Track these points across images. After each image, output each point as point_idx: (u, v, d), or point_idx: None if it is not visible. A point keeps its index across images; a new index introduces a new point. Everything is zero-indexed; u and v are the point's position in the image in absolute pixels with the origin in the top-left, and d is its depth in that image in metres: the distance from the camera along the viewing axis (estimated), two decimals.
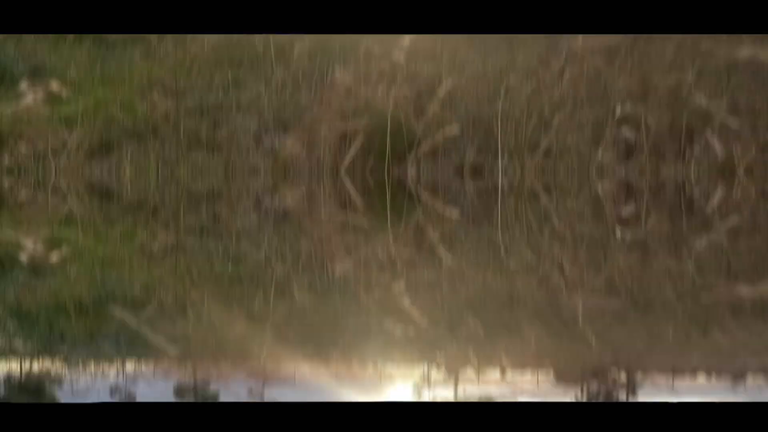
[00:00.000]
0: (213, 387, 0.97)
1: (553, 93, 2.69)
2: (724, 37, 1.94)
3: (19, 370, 1.00)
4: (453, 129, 3.47)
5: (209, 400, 0.99)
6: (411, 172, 4.34)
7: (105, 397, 0.91)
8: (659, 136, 2.90)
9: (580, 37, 2.41)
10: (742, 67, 2.65)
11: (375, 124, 3.39)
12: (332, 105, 3.49)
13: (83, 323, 1.31)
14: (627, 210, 3.40)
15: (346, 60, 3.67)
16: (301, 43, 3.75)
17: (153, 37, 4.29)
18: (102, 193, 3.85)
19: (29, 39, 4.86)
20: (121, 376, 0.97)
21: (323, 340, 1.18)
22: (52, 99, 3.24)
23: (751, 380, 0.98)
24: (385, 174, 4.30)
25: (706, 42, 2.13)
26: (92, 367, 1.03)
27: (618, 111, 2.72)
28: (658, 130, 2.82)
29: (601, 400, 1.01)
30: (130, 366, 1.02)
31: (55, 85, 3.32)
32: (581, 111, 2.97)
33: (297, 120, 3.29)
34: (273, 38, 4.03)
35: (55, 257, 2.10)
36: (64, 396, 0.91)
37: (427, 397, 0.96)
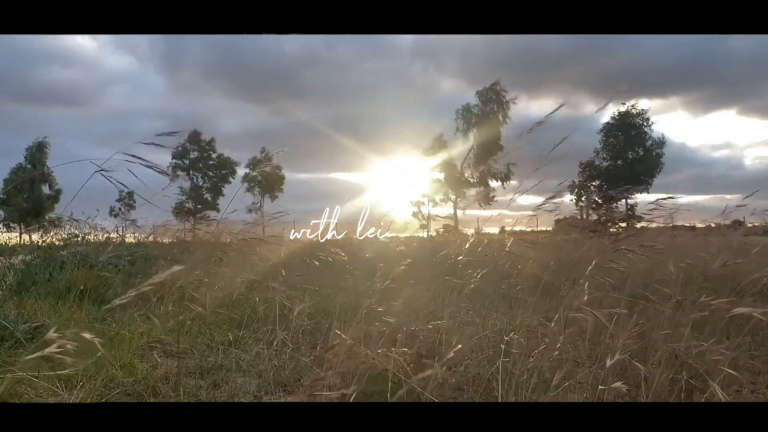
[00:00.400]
0: None
1: (554, 352, 2.79)
2: (724, 301, 2.13)
3: None
4: (453, 387, 3.47)
5: None
6: None
7: None
8: (658, 394, 2.94)
9: (579, 298, 2.61)
10: (742, 325, 2.85)
11: (375, 383, 3.39)
12: (332, 365, 3.51)
13: None
14: None
15: (346, 320, 3.81)
16: (302, 304, 3.91)
17: (153, 298, 4.43)
18: None
19: (29, 300, 4.97)
20: None
21: None
22: (52, 359, 3.21)
23: None
24: None
25: (704, 301, 2.33)
26: None
27: (617, 369, 2.80)
28: (657, 388, 2.87)
29: None
30: None
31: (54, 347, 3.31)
32: (581, 370, 3.04)
33: (297, 381, 3.27)
34: (277, 303, 4.23)
35: None
36: None
37: None
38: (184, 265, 1.53)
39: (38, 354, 1.40)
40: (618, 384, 2.10)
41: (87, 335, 1.37)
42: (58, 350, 1.40)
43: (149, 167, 2.24)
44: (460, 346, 2.50)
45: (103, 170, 1.98)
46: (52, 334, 1.36)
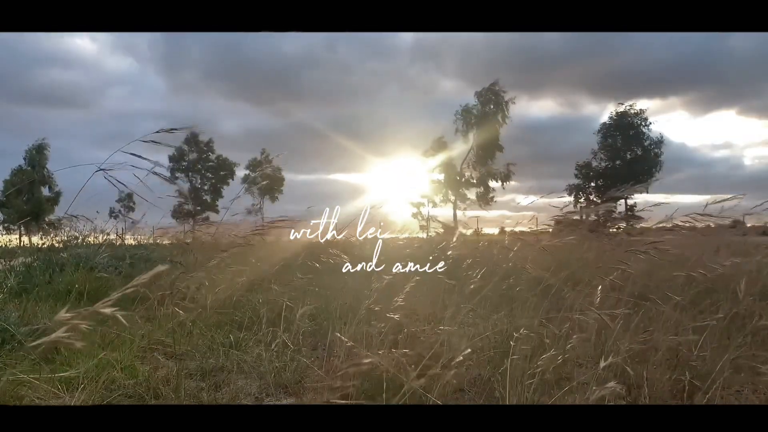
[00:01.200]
0: None
1: (556, 353, 2.78)
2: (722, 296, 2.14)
3: None
4: (454, 388, 3.46)
5: None
6: None
7: None
8: (660, 395, 2.93)
9: (580, 299, 2.61)
10: (744, 325, 2.85)
11: (376, 384, 3.38)
12: (333, 367, 3.50)
13: None
14: None
15: (347, 321, 3.80)
16: (303, 307, 3.90)
17: (153, 300, 4.42)
18: None
19: (29, 302, 4.96)
20: None
21: None
22: (53, 361, 3.21)
23: None
24: None
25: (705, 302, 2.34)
26: None
27: (619, 371, 2.79)
28: (658, 388, 2.86)
29: None
30: None
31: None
32: (583, 371, 3.03)
33: (298, 382, 3.26)
34: (279, 303, 4.22)
35: None
36: None
37: None
38: (168, 265, 1.53)
39: (48, 339, 1.37)
40: (612, 384, 2.06)
41: (107, 310, 1.34)
42: (66, 334, 1.37)
43: (154, 173, 2.23)
44: (468, 350, 2.49)
45: (104, 169, 1.97)
46: (63, 314, 1.34)
